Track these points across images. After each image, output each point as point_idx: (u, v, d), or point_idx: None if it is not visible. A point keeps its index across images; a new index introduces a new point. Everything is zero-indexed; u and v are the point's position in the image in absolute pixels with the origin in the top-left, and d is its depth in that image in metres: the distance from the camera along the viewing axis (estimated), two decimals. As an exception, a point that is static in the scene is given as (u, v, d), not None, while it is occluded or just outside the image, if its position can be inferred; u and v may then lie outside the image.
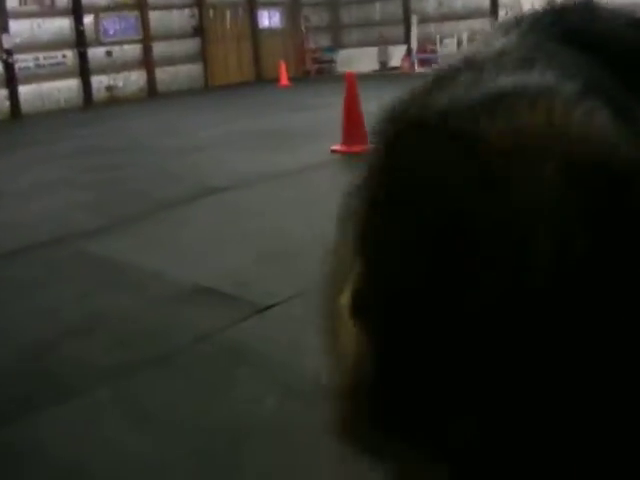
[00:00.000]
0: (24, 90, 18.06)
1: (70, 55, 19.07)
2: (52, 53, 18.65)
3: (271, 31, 23.79)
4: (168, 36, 21.05)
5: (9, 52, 17.71)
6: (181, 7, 21.47)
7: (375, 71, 21.26)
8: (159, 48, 20.84)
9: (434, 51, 20.65)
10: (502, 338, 0.50)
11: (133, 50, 20.46)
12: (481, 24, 19.20)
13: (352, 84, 8.80)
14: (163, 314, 4.21)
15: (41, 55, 18.42)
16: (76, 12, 18.78)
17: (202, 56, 22.13)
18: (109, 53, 19.83)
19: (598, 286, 0.49)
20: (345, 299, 0.58)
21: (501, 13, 19.51)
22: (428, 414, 0.54)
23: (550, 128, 0.56)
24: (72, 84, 19.13)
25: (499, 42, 0.83)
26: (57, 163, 9.95)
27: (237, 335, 3.81)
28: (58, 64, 18.80)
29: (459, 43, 19.43)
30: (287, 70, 20.36)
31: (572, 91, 0.64)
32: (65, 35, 18.99)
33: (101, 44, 19.64)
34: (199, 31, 21.93)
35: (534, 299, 0.49)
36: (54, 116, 16.98)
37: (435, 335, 0.52)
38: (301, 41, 24.32)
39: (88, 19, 19.23)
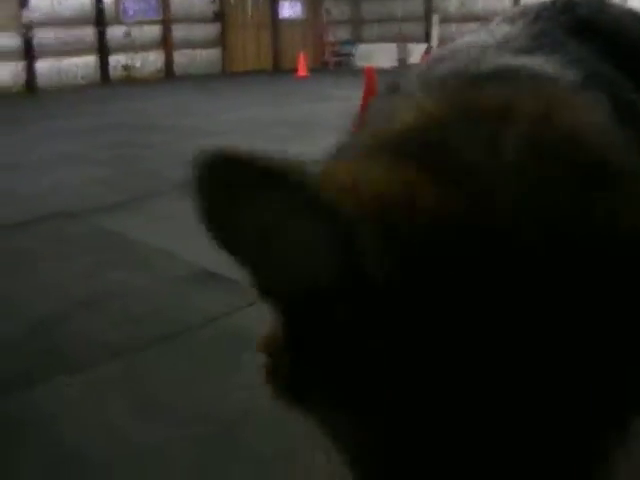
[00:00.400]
0: (41, 65, 18.10)
1: (90, 32, 19.09)
2: (71, 29, 18.68)
3: (291, 21, 23.73)
4: (188, 19, 21.04)
5: (29, 26, 17.75)
6: (203, -9, 21.51)
7: (394, 67, 21.20)
8: (178, 31, 20.85)
9: (454, 51, 20.55)
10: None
11: (152, 31, 20.47)
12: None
13: (371, 78, 8.80)
14: (172, 294, 4.21)
15: (60, 30, 18.45)
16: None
17: (221, 41, 22.11)
18: (128, 33, 19.84)
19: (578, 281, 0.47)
20: None
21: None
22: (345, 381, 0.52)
23: (542, 118, 0.53)
24: (90, 60, 19.16)
25: (502, 30, 0.81)
26: (73, 138, 9.96)
27: (243, 320, 3.81)
28: (77, 41, 18.83)
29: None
30: (305, 61, 20.38)
31: (574, 79, 0.63)
32: (86, 12, 19.01)
33: (121, 23, 19.65)
34: (220, 16, 21.90)
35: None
36: (70, 91, 17.00)
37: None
38: (321, 33, 24.26)
39: (109, -2, 19.28)
